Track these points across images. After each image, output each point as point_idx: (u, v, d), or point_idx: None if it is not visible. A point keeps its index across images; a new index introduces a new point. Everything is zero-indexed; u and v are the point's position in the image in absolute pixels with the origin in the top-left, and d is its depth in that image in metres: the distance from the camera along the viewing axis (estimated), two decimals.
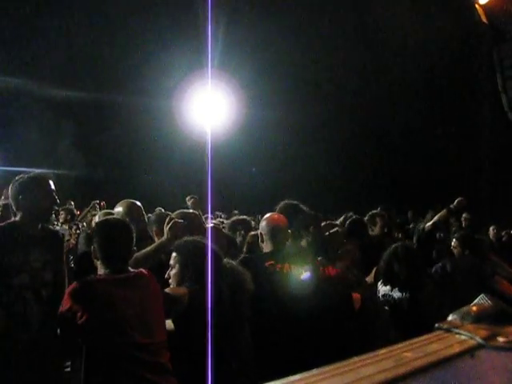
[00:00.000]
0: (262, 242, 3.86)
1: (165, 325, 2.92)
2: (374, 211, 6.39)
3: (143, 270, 3.02)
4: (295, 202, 4.74)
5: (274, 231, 3.80)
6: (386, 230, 6.13)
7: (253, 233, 4.96)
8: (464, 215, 8.78)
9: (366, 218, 6.11)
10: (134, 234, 3.04)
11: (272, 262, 3.64)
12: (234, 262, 3.51)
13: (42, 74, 15.27)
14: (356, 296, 4.01)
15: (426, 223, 6.76)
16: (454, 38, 14.62)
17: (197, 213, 4.36)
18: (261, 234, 3.88)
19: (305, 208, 4.79)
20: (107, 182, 15.93)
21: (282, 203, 4.68)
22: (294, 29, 15.97)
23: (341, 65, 16.48)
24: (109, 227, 3.07)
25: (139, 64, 16.14)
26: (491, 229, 8.63)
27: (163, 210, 6.83)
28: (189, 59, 12.91)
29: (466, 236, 6.01)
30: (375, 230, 5.96)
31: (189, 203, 7.69)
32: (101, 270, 2.93)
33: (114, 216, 3.76)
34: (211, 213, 5.96)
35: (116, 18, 15.61)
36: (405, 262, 4.52)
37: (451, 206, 6.55)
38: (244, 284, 3.31)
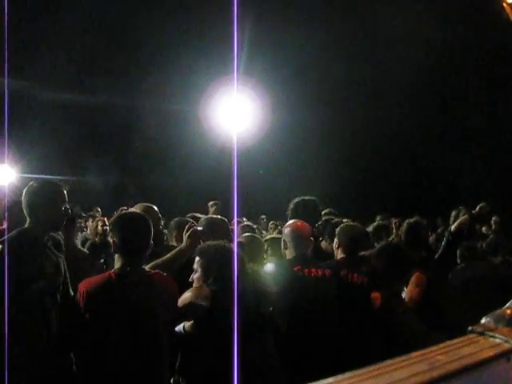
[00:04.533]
0: (286, 248, 3.88)
1: (160, 330, 2.94)
2: (380, 223, 6.32)
3: (160, 273, 3.06)
4: (312, 198, 4.76)
5: (298, 238, 3.84)
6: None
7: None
8: (494, 218, 8.64)
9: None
10: (152, 229, 3.06)
11: (299, 266, 3.66)
12: (256, 268, 3.54)
13: (70, 81, 15.50)
14: (375, 295, 4.01)
15: (451, 224, 6.70)
16: (480, 39, 14.47)
17: (224, 219, 4.38)
18: (284, 241, 3.90)
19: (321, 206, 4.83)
20: (134, 188, 16.06)
21: (299, 200, 4.71)
22: (320, 34, 15.95)
23: (368, 70, 16.41)
24: (127, 220, 3.11)
25: (165, 70, 16.26)
26: None
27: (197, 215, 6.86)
28: (215, 65, 12.97)
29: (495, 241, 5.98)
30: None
31: (212, 209, 7.68)
32: (117, 264, 2.97)
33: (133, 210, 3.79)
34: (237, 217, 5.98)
35: (142, 25, 15.77)
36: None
37: (473, 211, 6.50)
38: (264, 288, 3.33)
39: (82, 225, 9.17)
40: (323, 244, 4.87)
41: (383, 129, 16.71)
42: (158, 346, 2.91)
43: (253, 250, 4.07)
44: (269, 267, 3.67)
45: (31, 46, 15.12)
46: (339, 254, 4.19)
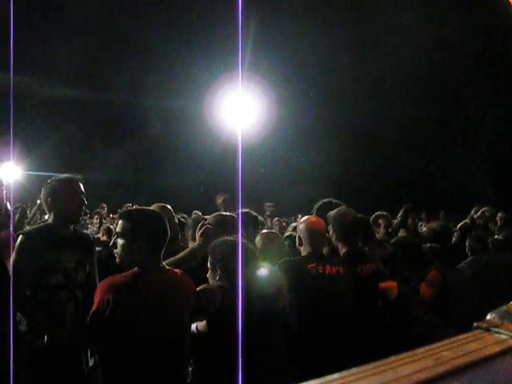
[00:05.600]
0: (301, 245, 3.85)
1: (186, 330, 2.93)
2: (378, 212, 6.27)
3: (179, 271, 3.02)
4: (336, 202, 4.68)
5: (314, 235, 3.80)
6: (389, 230, 6.01)
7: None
8: (499, 214, 8.63)
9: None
10: (168, 228, 2.96)
11: (314, 264, 3.64)
12: (268, 264, 3.53)
13: (75, 79, 15.54)
14: (392, 284, 4.00)
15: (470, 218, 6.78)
16: (487, 35, 14.43)
17: (233, 215, 4.37)
18: (299, 237, 3.86)
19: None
20: (139, 185, 16.10)
21: (320, 202, 4.64)
22: (325, 32, 15.93)
23: (375, 68, 16.39)
24: (149, 218, 2.98)
25: (170, 67, 16.27)
26: None
27: (200, 214, 6.84)
28: (220, 62, 12.98)
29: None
30: (380, 232, 5.81)
31: (219, 201, 7.60)
32: (132, 264, 2.87)
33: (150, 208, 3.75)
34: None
35: (147, 23, 15.78)
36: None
37: (475, 216, 6.58)
38: (276, 285, 3.32)
39: (87, 222, 9.19)
40: None
41: (388, 127, 16.70)
42: (182, 342, 2.89)
43: (271, 246, 4.06)
44: (283, 264, 3.65)
45: (36, 44, 15.17)
46: (342, 248, 4.12)
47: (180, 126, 16.10)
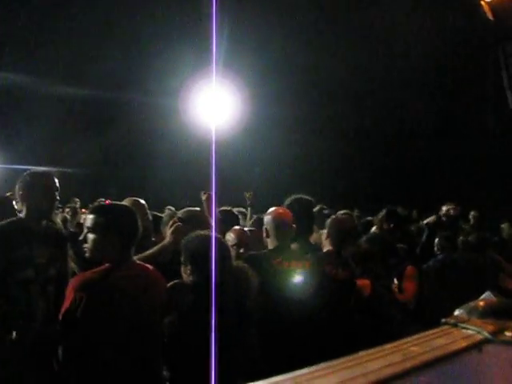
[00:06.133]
0: (268, 237, 3.78)
1: (158, 325, 2.92)
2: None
3: (150, 268, 3.00)
4: (307, 198, 4.65)
5: (280, 226, 3.72)
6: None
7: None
8: (472, 213, 8.69)
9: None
10: (140, 224, 2.95)
11: (279, 259, 3.59)
12: (238, 260, 3.51)
13: (48, 72, 15.32)
14: (365, 282, 3.99)
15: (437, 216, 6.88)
16: (459, 36, 14.59)
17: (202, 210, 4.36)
18: (266, 229, 3.79)
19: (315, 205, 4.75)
20: (113, 181, 15.96)
21: (292, 198, 4.59)
22: (300, 27, 15.94)
23: (348, 64, 16.45)
24: (123, 213, 2.97)
25: (144, 63, 16.15)
26: (503, 226, 8.44)
27: (173, 209, 6.80)
28: (194, 58, 12.90)
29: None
30: None
31: (204, 198, 7.57)
32: (103, 259, 2.84)
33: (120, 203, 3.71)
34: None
35: (121, 18, 15.65)
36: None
37: (441, 214, 6.68)
38: (248, 281, 3.30)
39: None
40: (313, 237, 4.73)
41: (363, 122, 16.80)
42: (156, 337, 2.89)
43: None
44: (248, 259, 3.58)
45: (8, 37, 14.95)
46: (326, 246, 4.14)
47: (154, 121, 15.98)
